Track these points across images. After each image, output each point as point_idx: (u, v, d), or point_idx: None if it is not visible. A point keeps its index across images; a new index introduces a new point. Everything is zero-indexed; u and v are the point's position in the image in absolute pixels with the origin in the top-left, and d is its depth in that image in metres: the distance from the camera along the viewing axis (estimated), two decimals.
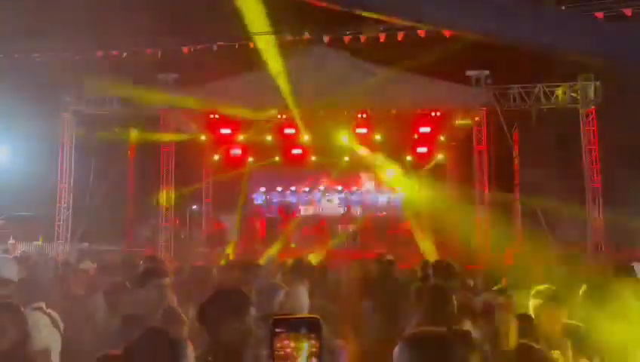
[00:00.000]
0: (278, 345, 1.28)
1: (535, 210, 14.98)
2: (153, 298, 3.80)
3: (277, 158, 18.71)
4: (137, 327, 2.76)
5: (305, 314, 3.38)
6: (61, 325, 3.90)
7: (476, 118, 15.62)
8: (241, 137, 17.01)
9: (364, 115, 15.51)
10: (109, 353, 2.33)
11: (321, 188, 20.15)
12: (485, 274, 6.06)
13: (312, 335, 1.28)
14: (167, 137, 16.06)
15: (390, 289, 5.54)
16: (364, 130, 16.02)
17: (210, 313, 2.61)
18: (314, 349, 1.28)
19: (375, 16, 1.19)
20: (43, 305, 3.92)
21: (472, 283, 5.75)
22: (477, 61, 14.79)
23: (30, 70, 14.56)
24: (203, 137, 17.67)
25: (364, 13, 1.20)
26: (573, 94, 15.39)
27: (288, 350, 1.27)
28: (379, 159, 18.55)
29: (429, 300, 3.72)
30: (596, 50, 1.14)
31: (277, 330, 1.29)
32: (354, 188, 20.26)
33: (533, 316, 3.40)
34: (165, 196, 15.72)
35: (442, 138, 17.63)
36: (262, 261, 9.52)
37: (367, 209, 19.80)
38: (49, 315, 3.86)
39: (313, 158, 18.51)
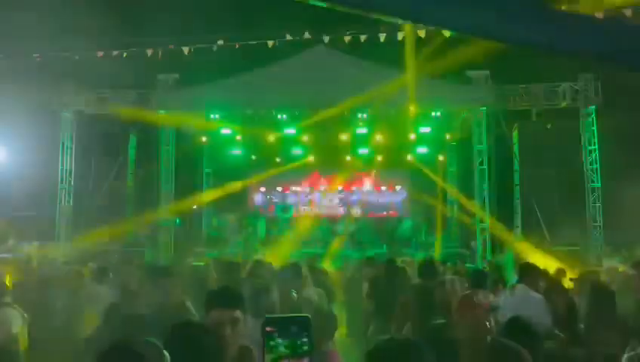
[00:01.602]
0: (270, 343, 1.29)
1: (534, 210, 14.99)
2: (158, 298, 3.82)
3: (280, 158, 18.77)
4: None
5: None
6: (26, 320, 3.99)
7: (476, 118, 15.62)
8: (241, 137, 17.03)
9: (364, 115, 15.52)
10: None
11: (322, 188, 20.14)
12: (474, 273, 6.10)
13: (303, 334, 1.30)
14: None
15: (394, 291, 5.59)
16: (364, 130, 16.04)
17: None
18: (305, 348, 1.29)
19: (375, 16, 1.19)
20: (9, 300, 4.02)
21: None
22: (477, 61, 14.79)
23: (30, 70, 14.56)
24: (204, 138, 17.70)
25: (364, 13, 1.20)
26: (573, 94, 15.40)
27: (280, 349, 1.29)
28: (379, 159, 18.60)
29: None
30: (596, 50, 1.14)
31: (268, 329, 1.30)
32: (354, 188, 20.24)
33: None
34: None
35: (443, 138, 17.65)
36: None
37: (368, 209, 19.77)
38: (17, 310, 3.97)
39: (313, 158, 18.54)
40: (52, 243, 15.79)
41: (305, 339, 1.30)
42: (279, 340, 1.30)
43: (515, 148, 16.49)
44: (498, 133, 15.53)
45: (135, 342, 2.04)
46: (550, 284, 5.14)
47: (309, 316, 1.34)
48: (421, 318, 3.68)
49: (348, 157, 18.46)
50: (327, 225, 17.58)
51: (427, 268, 5.25)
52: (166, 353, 2.04)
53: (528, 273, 4.91)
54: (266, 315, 1.36)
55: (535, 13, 1.12)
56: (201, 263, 10.62)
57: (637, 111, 13.81)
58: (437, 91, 14.55)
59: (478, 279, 5.19)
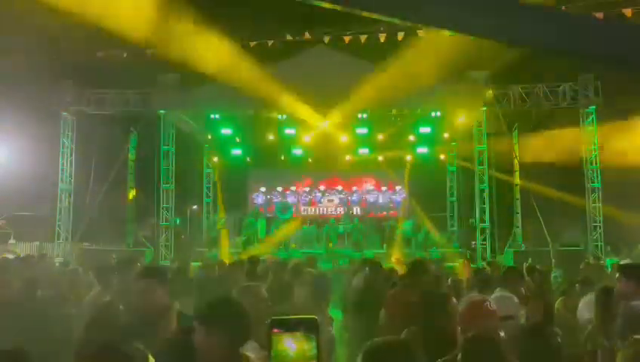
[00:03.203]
0: (276, 345, 1.27)
1: (535, 209, 14.98)
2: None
3: (280, 158, 18.75)
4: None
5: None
6: None
7: (476, 118, 15.62)
8: (241, 137, 17.02)
9: (364, 115, 15.50)
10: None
11: (322, 188, 20.12)
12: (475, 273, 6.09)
13: (310, 336, 1.27)
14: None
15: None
16: (364, 130, 16.02)
17: None
18: (312, 349, 1.27)
19: (375, 16, 1.19)
20: None
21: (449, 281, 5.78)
22: (477, 61, 14.79)
23: (30, 70, 14.55)
24: (209, 136, 17.66)
25: (364, 13, 1.20)
26: (573, 94, 15.39)
27: (286, 350, 1.26)
28: (379, 159, 18.58)
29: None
30: (596, 51, 1.14)
31: (274, 331, 1.28)
32: (354, 188, 20.23)
33: None
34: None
35: (443, 138, 17.64)
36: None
37: (368, 209, 19.75)
38: None
39: (313, 159, 18.52)
40: (52, 243, 15.80)
41: (312, 342, 1.27)
42: (285, 342, 1.27)
43: (515, 148, 16.48)
44: (498, 133, 15.52)
45: (122, 344, 2.03)
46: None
47: (317, 318, 1.31)
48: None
49: (348, 157, 18.46)
50: (327, 225, 17.56)
51: (416, 267, 5.10)
52: (152, 358, 2.01)
53: (508, 279, 4.76)
54: (272, 317, 1.33)
55: (535, 13, 1.12)
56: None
57: (637, 112, 13.81)
58: (437, 91, 14.53)
59: (484, 279, 5.12)
